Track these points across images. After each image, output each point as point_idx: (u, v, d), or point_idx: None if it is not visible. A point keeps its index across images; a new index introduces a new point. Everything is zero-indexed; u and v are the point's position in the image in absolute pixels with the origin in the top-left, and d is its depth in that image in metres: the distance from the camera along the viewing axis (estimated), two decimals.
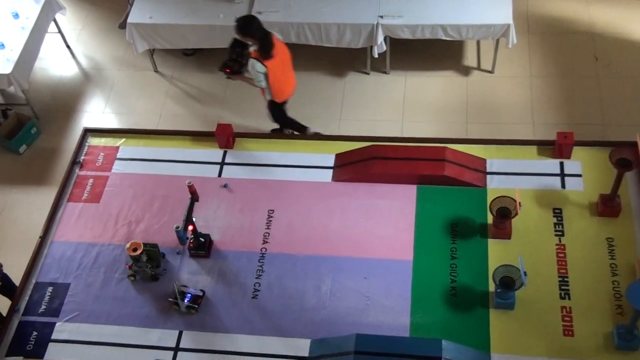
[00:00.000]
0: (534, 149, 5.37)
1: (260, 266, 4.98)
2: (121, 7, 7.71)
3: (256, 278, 4.93)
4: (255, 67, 5.84)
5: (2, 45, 6.78)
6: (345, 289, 4.81)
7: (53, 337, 4.80)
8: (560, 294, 4.61)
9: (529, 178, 5.19)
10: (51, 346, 4.76)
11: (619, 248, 4.75)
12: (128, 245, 4.88)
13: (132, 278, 5.01)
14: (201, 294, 4.83)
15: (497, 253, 4.82)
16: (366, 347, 4.40)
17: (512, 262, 4.56)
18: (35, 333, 4.83)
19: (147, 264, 4.93)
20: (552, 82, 6.83)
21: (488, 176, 5.24)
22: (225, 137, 5.62)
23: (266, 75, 5.91)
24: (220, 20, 6.90)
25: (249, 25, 5.78)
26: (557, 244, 4.83)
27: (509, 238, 4.88)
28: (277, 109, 6.35)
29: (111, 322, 4.82)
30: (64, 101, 7.30)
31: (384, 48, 6.83)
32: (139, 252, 4.84)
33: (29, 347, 4.78)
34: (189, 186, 4.90)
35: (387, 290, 4.77)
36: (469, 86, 6.93)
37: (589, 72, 6.88)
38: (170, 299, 4.79)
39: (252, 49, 5.87)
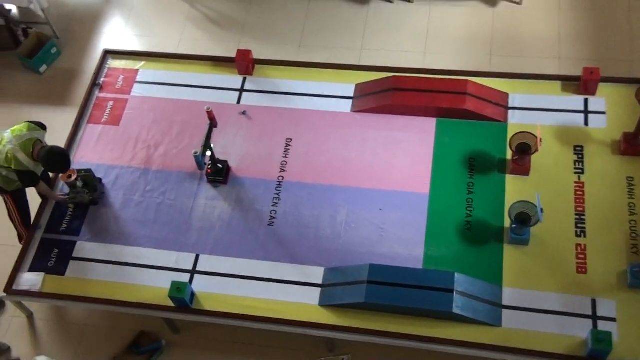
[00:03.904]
0: (558, 84, 5.27)
1: (277, 194, 5.02)
2: None
3: (272, 206, 4.97)
4: None
5: None
6: (360, 219, 4.84)
7: (74, 254, 4.93)
8: (576, 231, 4.61)
9: (551, 114, 5.11)
10: (72, 264, 4.90)
11: (639, 188, 4.71)
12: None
13: (71, 205, 5.11)
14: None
15: (515, 189, 4.80)
16: (379, 276, 4.47)
17: (530, 198, 4.56)
18: (56, 250, 4.96)
19: (84, 190, 5.01)
20: (581, 16, 6.61)
21: (510, 111, 5.17)
22: (245, 63, 5.56)
23: None
24: None
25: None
26: (575, 182, 4.80)
27: (528, 174, 4.85)
28: None
29: (130, 243, 4.93)
30: (84, 21, 7.22)
31: None
32: (73, 178, 4.92)
33: (51, 263, 4.91)
34: (207, 112, 4.89)
35: (402, 222, 4.80)
36: (495, 17, 6.72)
37: (621, 5, 6.64)
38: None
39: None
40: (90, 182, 5.06)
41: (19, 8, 7.31)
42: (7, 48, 6.96)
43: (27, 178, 4.86)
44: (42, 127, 4.98)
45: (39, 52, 6.75)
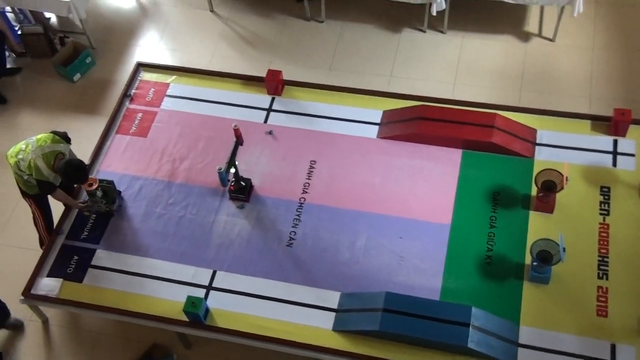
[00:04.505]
0: (587, 123, 5.22)
1: (298, 215, 5.02)
2: None
3: (292, 227, 4.97)
4: None
5: None
6: (379, 246, 4.82)
7: (93, 262, 4.96)
8: (598, 273, 4.54)
9: (579, 153, 5.06)
10: (90, 272, 4.92)
11: None
12: None
13: (87, 213, 5.14)
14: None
15: (538, 226, 4.74)
16: (395, 305, 4.43)
17: (552, 236, 4.50)
18: (76, 257, 5.00)
19: (102, 200, 5.03)
20: (614, 57, 6.57)
21: (537, 147, 5.13)
22: (274, 83, 5.60)
23: None
24: None
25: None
26: (600, 223, 4.73)
27: (552, 212, 4.80)
28: None
29: (149, 254, 4.95)
30: (120, 33, 7.35)
31: (444, 6, 6.63)
32: (94, 187, 4.94)
33: (69, 270, 4.95)
34: (234, 129, 4.92)
35: (422, 251, 4.76)
36: (527, 53, 6.71)
37: None
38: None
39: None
40: (110, 193, 5.10)
41: (58, 17, 7.48)
42: (44, 55, 7.11)
43: (45, 187, 4.95)
44: (66, 139, 5.04)
45: (74, 61, 6.87)
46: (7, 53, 7.02)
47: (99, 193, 5.01)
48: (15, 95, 6.92)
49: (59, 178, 4.91)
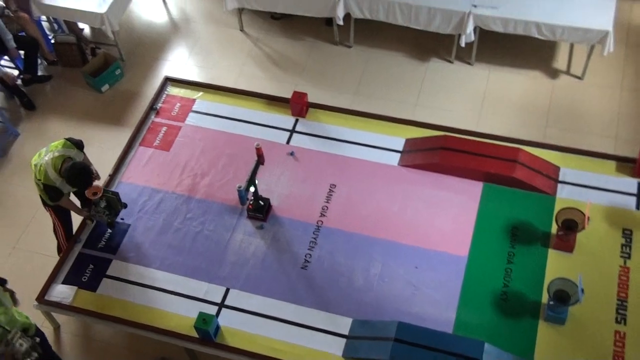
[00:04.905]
0: (612, 164, 5.17)
1: (314, 238, 5.00)
2: None
3: (308, 249, 4.95)
4: None
5: None
6: (394, 274, 4.78)
7: (108, 272, 4.98)
8: (617, 317, 4.45)
9: (602, 193, 5.00)
10: (104, 281, 4.94)
11: None
12: (90, 187, 4.92)
13: (90, 221, 5.14)
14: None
15: (556, 265, 4.68)
16: (407, 336, 4.37)
17: (571, 276, 4.43)
18: (92, 266, 5.02)
19: (105, 210, 4.99)
20: None
21: (559, 185, 5.08)
22: (299, 105, 5.63)
23: None
24: None
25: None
26: (621, 266, 4.65)
27: (571, 252, 4.73)
28: None
29: (163, 268, 4.96)
30: (150, 47, 7.45)
31: (472, 38, 6.65)
32: (97, 196, 4.89)
33: (84, 278, 4.97)
34: (256, 148, 4.94)
35: (437, 283, 4.71)
36: (554, 89, 6.68)
37: None
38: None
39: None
40: (114, 204, 5.06)
41: (91, 28, 7.61)
42: (75, 65, 7.22)
43: (52, 192, 4.93)
44: (78, 145, 5.05)
45: (104, 71, 6.97)
46: (39, 61, 7.16)
47: (103, 203, 5.00)
48: (44, 102, 7.04)
49: (65, 184, 4.91)
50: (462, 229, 4.94)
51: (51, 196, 4.99)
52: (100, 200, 4.97)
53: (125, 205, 5.15)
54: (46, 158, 4.86)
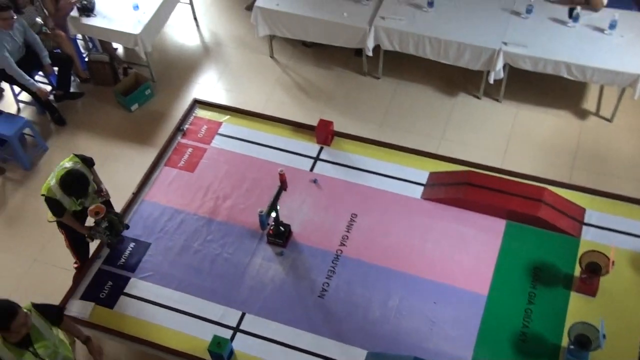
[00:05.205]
0: (639, 208, 5.08)
1: (333, 267, 4.97)
2: None
3: (326, 278, 4.92)
4: None
5: (137, 6, 7.10)
6: (412, 308, 4.72)
7: (125, 290, 4.99)
8: None
9: (628, 238, 4.91)
10: (122, 299, 4.95)
11: None
12: (93, 206, 4.93)
13: (90, 240, 5.12)
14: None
15: (578, 308, 4.59)
16: None
17: (592, 321, 4.34)
18: (110, 283, 5.03)
19: (106, 231, 4.99)
20: None
21: (584, 227, 5.00)
22: (325, 133, 5.65)
23: None
24: (344, 18, 6.92)
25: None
26: None
27: (594, 296, 4.64)
28: None
29: (181, 288, 4.95)
30: (181, 69, 7.57)
31: (501, 75, 6.65)
32: (100, 216, 4.89)
33: (102, 295, 4.98)
34: (280, 174, 4.95)
35: (455, 319, 4.64)
36: (582, 130, 6.63)
37: None
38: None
39: None
40: (115, 225, 5.06)
41: (125, 48, 7.76)
42: (106, 83, 7.36)
43: (53, 206, 4.94)
44: (87, 162, 5.08)
45: (134, 91, 7.09)
46: (72, 78, 7.30)
47: (104, 223, 5.00)
48: (74, 118, 7.16)
49: (67, 198, 4.94)
50: (483, 267, 4.88)
51: (54, 211, 5.02)
52: (102, 221, 4.99)
53: (127, 227, 5.18)
54: (53, 173, 4.93)
